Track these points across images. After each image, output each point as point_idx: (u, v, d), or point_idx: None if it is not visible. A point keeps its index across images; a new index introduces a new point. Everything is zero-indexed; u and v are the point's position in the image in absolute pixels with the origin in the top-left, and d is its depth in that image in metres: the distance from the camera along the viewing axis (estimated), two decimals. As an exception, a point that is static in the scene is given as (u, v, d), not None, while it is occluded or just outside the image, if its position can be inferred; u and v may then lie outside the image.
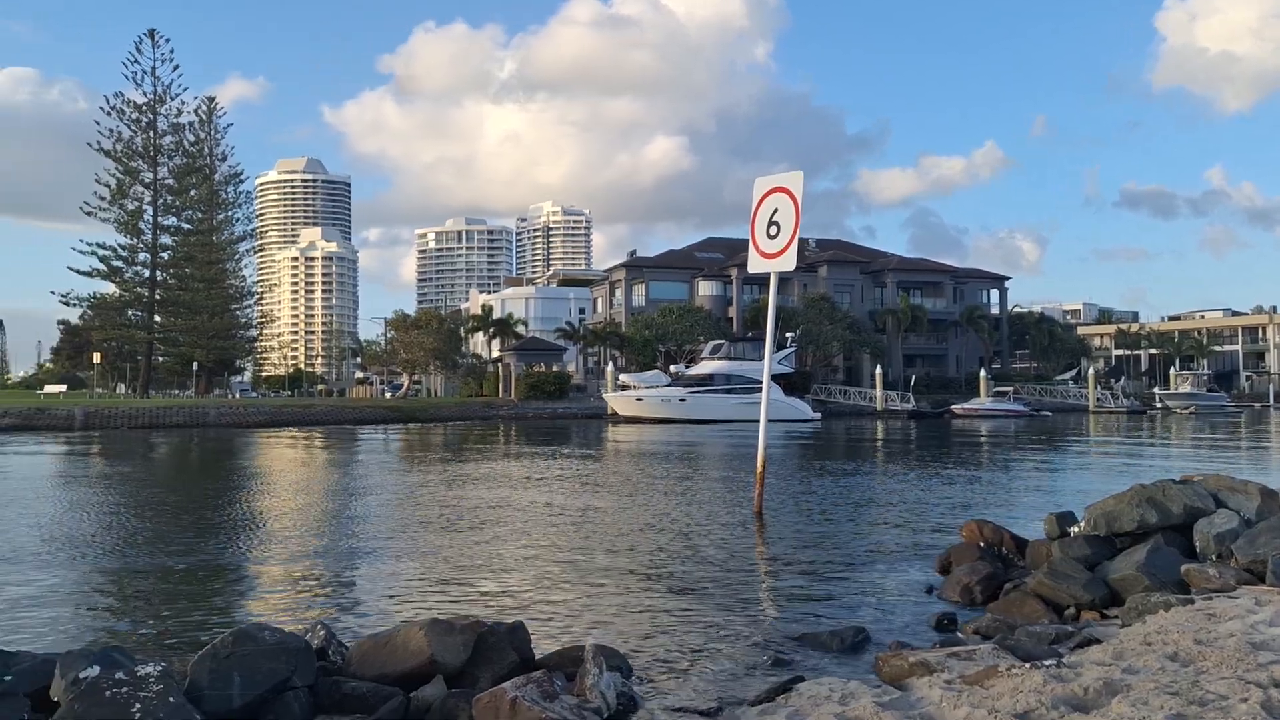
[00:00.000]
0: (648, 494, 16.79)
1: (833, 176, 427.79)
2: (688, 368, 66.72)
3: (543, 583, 8.93)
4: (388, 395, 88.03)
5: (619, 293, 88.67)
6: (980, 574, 7.99)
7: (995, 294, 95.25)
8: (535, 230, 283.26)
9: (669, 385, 62.86)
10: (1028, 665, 4.86)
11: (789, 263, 12.16)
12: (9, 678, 4.19)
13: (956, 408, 69.62)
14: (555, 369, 77.97)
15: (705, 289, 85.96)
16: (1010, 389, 76.66)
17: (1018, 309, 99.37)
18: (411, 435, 43.29)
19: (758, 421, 13.87)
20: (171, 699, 3.91)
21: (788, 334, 65.58)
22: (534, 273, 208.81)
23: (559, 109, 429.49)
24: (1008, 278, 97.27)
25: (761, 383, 12.92)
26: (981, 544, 8.89)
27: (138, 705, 3.83)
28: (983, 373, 77.23)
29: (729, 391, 60.34)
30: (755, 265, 12.56)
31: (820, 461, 25.00)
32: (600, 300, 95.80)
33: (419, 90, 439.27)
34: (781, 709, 4.60)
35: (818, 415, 62.19)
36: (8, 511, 15.08)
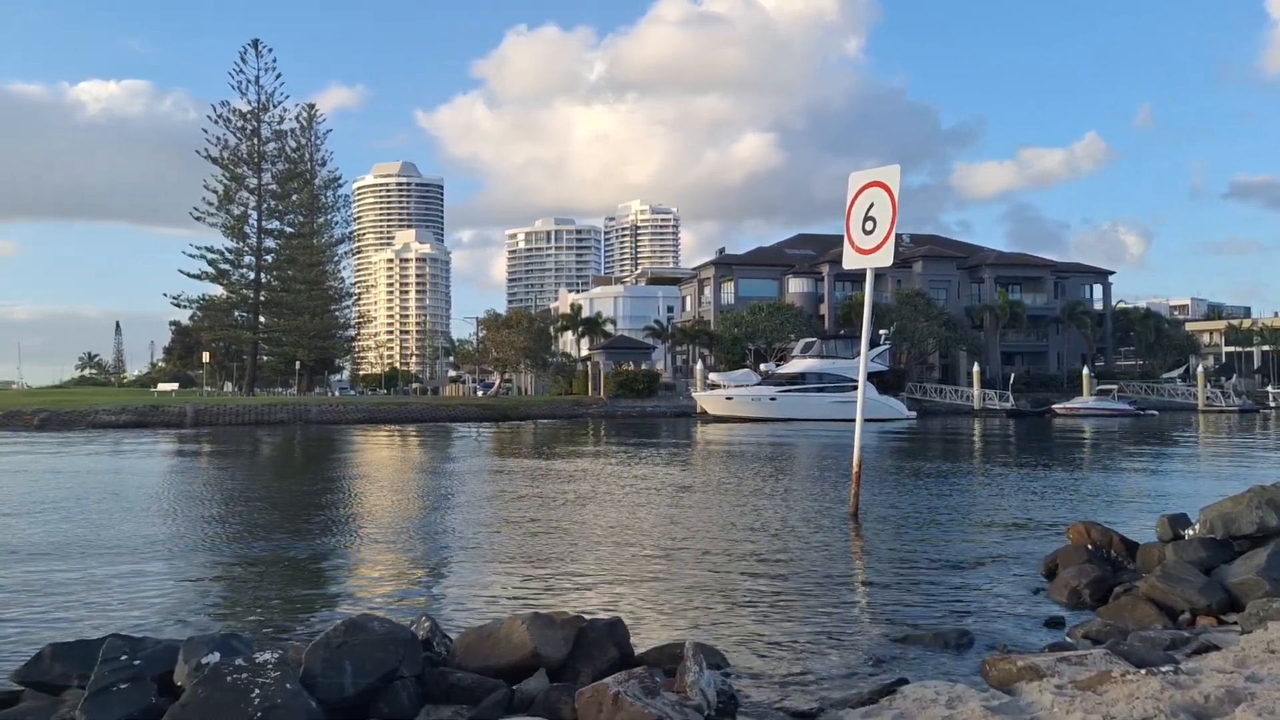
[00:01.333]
0: (740, 493, 16.71)
1: (927, 171, 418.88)
2: (778, 366, 66.18)
3: (636, 580, 8.97)
4: (479, 394, 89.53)
5: (708, 290, 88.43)
6: (1089, 576, 7.73)
7: (1098, 289, 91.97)
8: (623, 229, 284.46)
9: (759, 384, 62.44)
10: (1143, 671, 4.69)
11: (886, 258, 11.95)
12: (137, 663, 4.39)
13: (1058, 407, 67.50)
14: (644, 367, 78.24)
15: (795, 286, 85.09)
16: (1114, 387, 73.96)
17: (1122, 304, 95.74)
18: (503, 433, 43.95)
19: (850, 421, 13.68)
20: (288, 685, 4.04)
21: (881, 331, 64.48)
22: (622, 272, 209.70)
23: (648, 108, 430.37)
24: (1111, 272, 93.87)
25: (854, 381, 12.73)
26: (1089, 546, 8.61)
27: (257, 691, 3.97)
28: (1085, 370, 74.66)
29: (821, 390, 59.63)
30: (851, 261, 12.38)
31: (917, 462, 24.53)
32: (689, 298, 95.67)
33: (510, 93, 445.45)
34: (886, 711, 4.53)
35: (913, 414, 61.02)
36: (129, 504, 15.83)
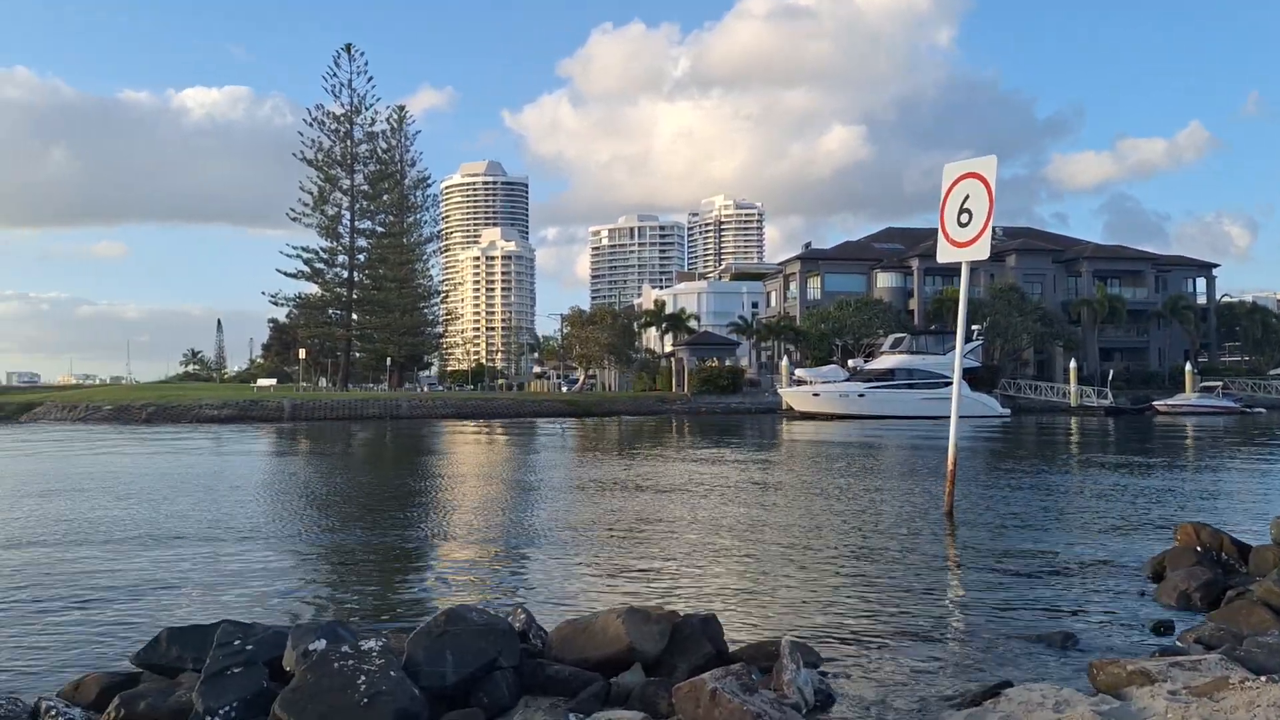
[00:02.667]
0: (829, 491, 16.52)
1: (1022, 162, 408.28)
2: (866, 362, 65.26)
3: (726, 576, 8.94)
4: (564, 389, 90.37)
5: (793, 286, 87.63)
6: (1199, 579, 7.43)
7: (1201, 283, 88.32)
8: (707, 225, 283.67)
9: (847, 380, 61.64)
10: (1263, 679, 4.48)
11: (982, 252, 11.66)
12: (249, 648, 4.54)
13: (1159, 404, 65.07)
14: (728, 364, 77.87)
15: (884, 281, 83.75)
16: (1219, 384, 70.90)
17: (1227, 298, 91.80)
18: (587, 428, 44.27)
19: (941, 418, 13.40)
20: (392, 673, 4.14)
21: (974, 327, 63.06)
22: (705, 267, 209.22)
23: (733, 103, 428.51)
24: (1216, 265, 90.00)
25: (945, 377, 12.47)
26: (1198, 548, 8.27)
27: (363, 678, 4.07)
28: (1188, 367, 71.80)
29: (910, 387, 58.58)
30: (945, 255, 12.11)
31: (1012, 460, 23.91)
32: (774, 294, 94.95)
33: (595, 91, 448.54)
34: (991, 713, 4.42)
35: (1007, 412, 59.50)
36: (232, 495, 16.42)
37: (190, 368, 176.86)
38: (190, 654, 5.02)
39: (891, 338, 66.20)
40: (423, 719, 4.08)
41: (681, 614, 5.35)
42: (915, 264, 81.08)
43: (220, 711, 4.18)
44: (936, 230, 12.39)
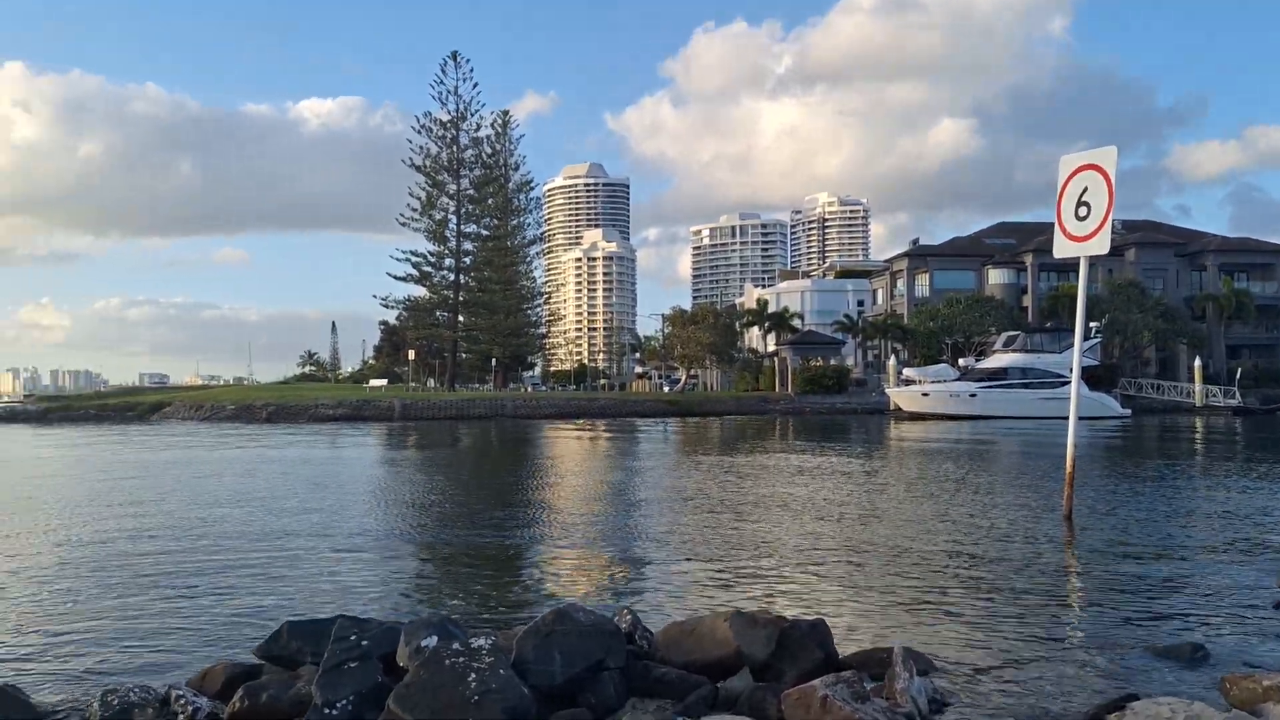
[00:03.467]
0: (939, 493, 16.11)
1: (1141, 153, 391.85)
2: (978, 361, 63.45)
3: (833, 580, 8.78)
4: (665, 389, 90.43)
5: (900, 283, 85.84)
6: (1344, 593, 6.96)
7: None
8: (810, 222, 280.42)
9: (957, 379, 60.05)
10: None
11: (1101, 246, 11.17)
12: (364, 643, 4.66)
13: (1292, 404, 61.53)
14: (833, 363, 76.74)
15: (995, 277, 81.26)
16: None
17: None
18: (689, 428, 44.22)
19: (1056, 419, 12.92)
20: (502, 671, 4.18)
21: (1092, 324, 60.68)
22: (809, 265, 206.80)
23: (837, 99, 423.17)
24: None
25: (1060, 376, 11.99)
26: (1343, 559, 7.76)
27: (473, 675, 4.12)
28: (1323, 364, 67.68)
29: (1025, 386, 56.73)
30: (1062, 250, 11.66)
31: (1134, 462, 22.92)
32: (880, 292, 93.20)
33: (697, 90, 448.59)
34: (1117, 729, 4.22)
35: (1127, 412, 57.06)
36: (346, 493, 16.96)
37: (306, 368, 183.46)
38: (309, 647, 5.18)
39: (1005, 335, 64.18)
40: (531, 717, 4.10)
41: (789, 618, 5.26)
42: (1029, 259, 78.52)
43: (338, 705, 4.29)
44: (1052, 224, 11.94)
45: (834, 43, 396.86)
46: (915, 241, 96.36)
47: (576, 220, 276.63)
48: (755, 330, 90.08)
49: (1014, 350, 60.71)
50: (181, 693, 5.08)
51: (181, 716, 4.93)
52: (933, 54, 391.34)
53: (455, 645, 4.37)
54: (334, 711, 4.28)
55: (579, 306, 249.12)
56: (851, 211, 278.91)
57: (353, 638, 4.68)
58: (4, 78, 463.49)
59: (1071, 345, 13.76)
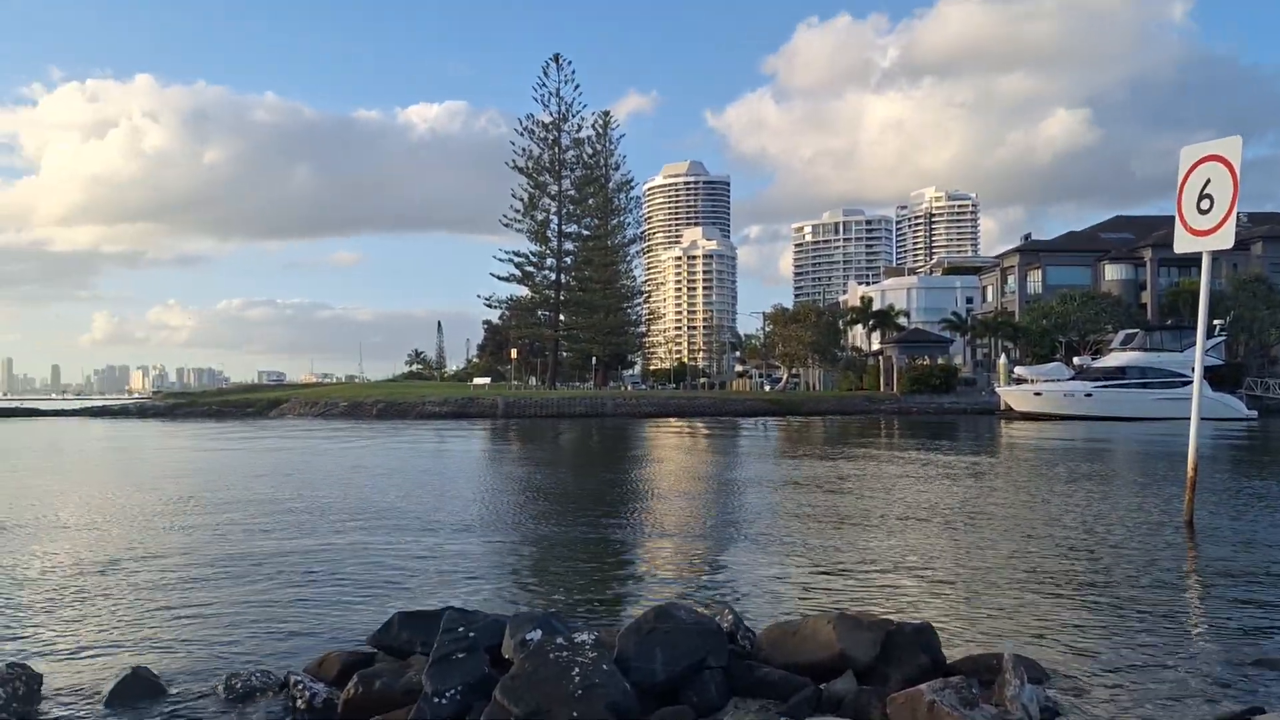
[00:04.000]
0: (1052, 496, 15.59)
1: (1269, 142, 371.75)
2: (1094, 359, 61.18)
3: (938, 583, 8.59)
4: (766, 388, 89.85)
5: (1011, 280, 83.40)
6: None
7: None
8: (916, 218, 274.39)
9: (1072, 379, 57.98)
10: None
11: (1225, 240, 10.65)
12: (472, 635, 4.77)
13: None
14: (940, 362, 74.99)
15: (1112, 273, 78.23)
16: None
17: None
18: (791, 428, 43.81)
19: (1176, 420, 12.35)
20: (604, 666, 4.23)
21: (1216, 321, 57.84)
22: (915, 262, 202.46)
23: (945, 92, 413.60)
24: None
25: (1182, 376, 11.46)
26: None
27: (576, 670, 4.18)
28: None
29: (1144, 386, 54.43)
30: (1183, 244, 11.15)
31: (1259, 467, 21.77)
32: (990, 288, 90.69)
33: (799, 86, 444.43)
34: (1245, 746, 4.03)
35: (1253, 413, 54.21)
36: (452, 488, 17.37)
37: (414, 367, 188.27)
38: (419, 637, 5.33)
39: (1122, 334, 61.72)
40: (633, 713, 4.14)
41: (895, 621, 5.18)
42: (1148, 254, 75.38)
43: (446, 694, 4.41)
44: (1172, 218, 11.43)
45: (942, 34, 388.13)
46: (1027, 237, 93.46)
47: (676, 219, 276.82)
48: (859, 328, 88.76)
49: (1132, 349, 58.31)
50: (300, 678, 5.29)
51: (300, 701, 5.14)
52: (1046, 43, 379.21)
53: (559, 639, 4.44)
54: (443, 701, 4.39)
55: (679, 305, 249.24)
56: (959, 206, 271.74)
57: (460, 630, 4.80)
58: (134, 90, 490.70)
59: (1193, 343, 13.17)
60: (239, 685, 5.40)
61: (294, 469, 21.77)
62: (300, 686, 5.21)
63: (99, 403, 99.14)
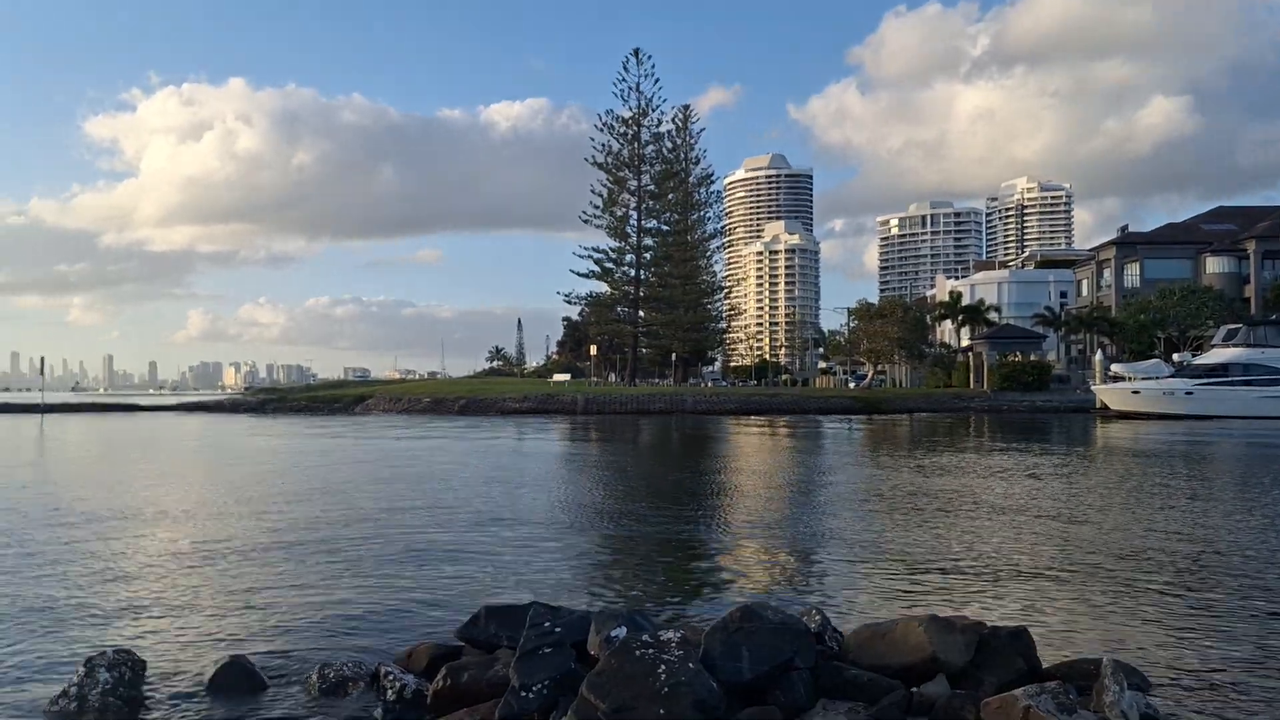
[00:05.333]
0: (1151, 499, 15.04)
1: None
2: (1195, 356, 58.83)
3: (1031, 587, 8.35)
4: (851, 385, 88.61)
5: (1107, 273, 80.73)
6: None
7: None
8: (1007, 210, 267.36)
9: (1172, 376, 55.87)
10: None
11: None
12: (558, 630, 4.79)
13: None
14: (1033, 358, 72.98)
15: (1214, 266, 75.12)
16: None
17: None
18: (875, 426, 43.16)
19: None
20: (691, 664, 4.20)
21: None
22: (1006, 255, 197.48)
23: (1038, 80, 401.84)
24: None
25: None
26: None
27: (662, 667, 4.16)
28: None
29: (1248, 384, 52.17)
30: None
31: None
32: (1085, 282, 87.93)
33: (885, 76, 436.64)
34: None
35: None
36: (533, 483, 17.55)
37: (494, 363, 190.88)
38: (505, 631, 5.39)
39: (1225, 329, 59.18)
40: (720, 712, 4.11)
41: (988, 625, 5.04)
42: (1251, 246, 72.16)
43: (533, 688, 4.44)
44: (1278, 208, 10.88)
45: (1035, 21, 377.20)
46: (1124, 229, 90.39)
47: (758, 213, 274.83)
48: (947, 324, 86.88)
49: (1235, 345, 55.86)
50: (390, 669, 5.40)
51: (390, 691, 5.23)
52: (1143, 28, 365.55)
53: (645, 637, 4.43)
54: (530, 695, 4.42)
55: (760, 301, 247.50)
56: (1053, 198, 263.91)
57: (546, 625, 4.83)
58: (228, 93, 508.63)
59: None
60: (332, 675, 5.52)
61: (383, 464, 22.26)
62: (390, 677, 5.31)
63: (194, 398, 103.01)
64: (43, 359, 76.33)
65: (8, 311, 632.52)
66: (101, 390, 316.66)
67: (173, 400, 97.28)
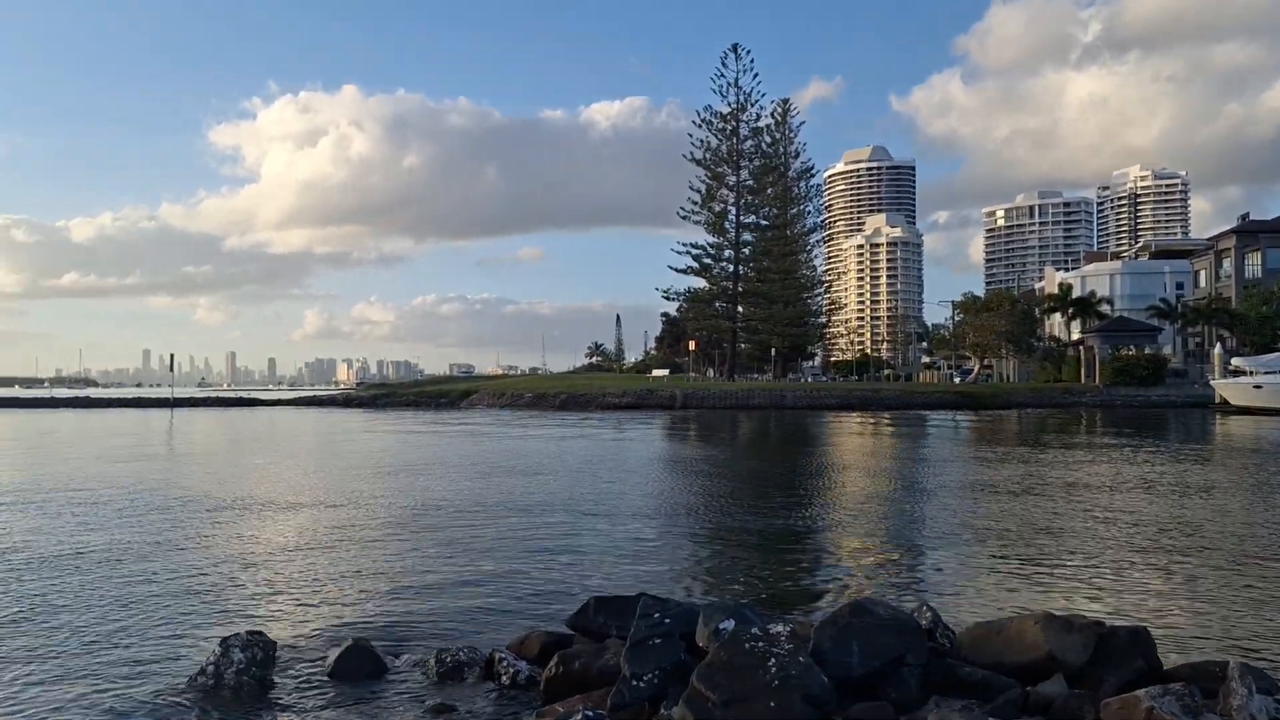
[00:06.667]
0: (1274, 497, 14.35)
1: None
2: (1321, 349, 55.69)
3: (1148, 586, 8.09)
4: (956, 380, 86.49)
5: (1227, 263, 76.96)
6: None
7: None
8: (1119, 199, 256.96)
9: (1296, 370, 52.98)
10: None
11: None
12: (667, 621, 4.87)
13: None
14: (1147, 351, 70.12)
15: (1345, 254, 70.92)
16: None
17: None
18: (983, 422, 42.09)
19: None
20: (801, 659, 4.22)
21: None
22: (1118, 246, 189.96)
23: (1152, 65, 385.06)
24: None
25: None
26: None
27: (773, 660, 4.19)
28: None
29: None
30: None
31: None
32: (1203, 273, 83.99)
33: (992, 65, 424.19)
34: None
35: None
36: (634, 476, 17.70)
37: (593, 359, 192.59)
38: (613, 621, 5.50)
39: (1357, 320, 55.87)
40: (830, 707, 4.11)
41: (1106, 624, 4.92)
42: (1389, 232, 67.82)
43: (644, 678, 4.53)
44: None
45: (1150, 5, 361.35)
46: (1245, 217, 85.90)
47: (859, 206, 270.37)
48: (1057, 317, 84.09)
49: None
50: (504, 656, 5.57)
51: (504, 677, 5.40)
52: (1264, 8, 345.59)
53: (754, 630, 4.47)
54: (641, 684, 4.51)
55: (861, 295, 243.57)
56: (1168, 186, 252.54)
57: (656, 616, 4.90)
58: (341, 100, 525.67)
59: None
60: (448, 659, 5.73)
61: (491, 457, 22.76)
62: (504, 663, 5.48)
63: (309, 393, 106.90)
64: (172, 356, 79.90)
65: (140, 312, 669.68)
66: (225, 386, 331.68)
67: (290, 395, 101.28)
